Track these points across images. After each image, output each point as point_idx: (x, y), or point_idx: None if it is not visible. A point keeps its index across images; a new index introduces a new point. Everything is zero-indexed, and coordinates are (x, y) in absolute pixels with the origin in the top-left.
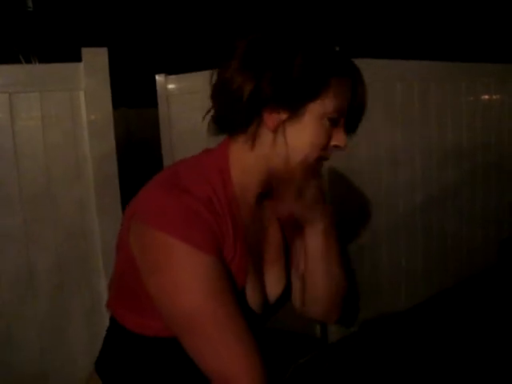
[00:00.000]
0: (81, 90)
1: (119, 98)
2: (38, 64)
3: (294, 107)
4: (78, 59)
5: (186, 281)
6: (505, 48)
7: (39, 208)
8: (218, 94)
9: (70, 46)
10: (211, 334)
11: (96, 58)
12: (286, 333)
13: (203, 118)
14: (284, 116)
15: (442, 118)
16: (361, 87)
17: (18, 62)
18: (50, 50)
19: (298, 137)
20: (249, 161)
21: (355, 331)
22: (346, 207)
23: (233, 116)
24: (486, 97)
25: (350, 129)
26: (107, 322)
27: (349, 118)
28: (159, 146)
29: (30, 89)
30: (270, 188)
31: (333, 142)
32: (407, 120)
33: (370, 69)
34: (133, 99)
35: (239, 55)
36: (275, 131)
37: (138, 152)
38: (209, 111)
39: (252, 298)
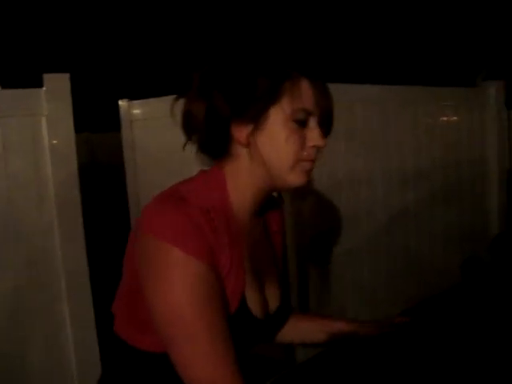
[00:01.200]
0: (43, 115)
1: (82, 123)
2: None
3: (255, 117)
4: (40, 85)
5: (174, 284)
6: (460, 72)
7: (2, 234)
8: (186, 125)
9: (32, 71)
10: (190, 336)
11: (58, 84)
12: (252, 356)
13: (183, 148)
14: (250, 128)
15: (401, 140)
16: (319, 84)
17: None
18: (10, 75)
19: (270, 145)
20: (240, 179)
21: (322, 351)
22: (310, 228)
23: (207, 142)
24: (444, 119)
25: (324, 127)
26: (69, 348)
27: (320, 116)
28: (123, 170)
29: None
30: (262, 204)
31: (309, 143)
32: (368, 142)
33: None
34: (96, 124)
35: (195, 86)
36: (248, 145)
37: (101, 176)
38: (185, 144)
39: (254, 306)
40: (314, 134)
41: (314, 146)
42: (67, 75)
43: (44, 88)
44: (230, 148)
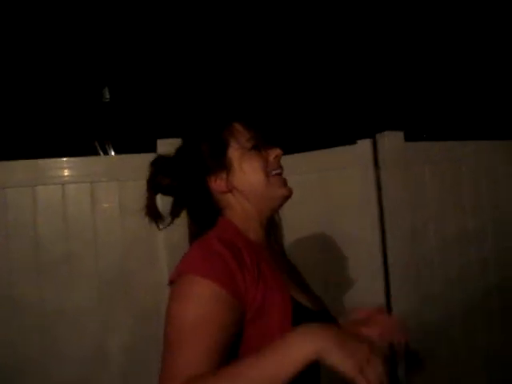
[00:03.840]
0: None
1: None
2: (114, 154)
3: (222, 164)
4: (153, 149)
5: (188, 299)
6: None
7: (115, 290)
8: (176, 207)
9: (145, 136)
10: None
11: (170, 149)
12: None
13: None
14: (224, 175)
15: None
16: (245, 123)
17: (95, 150)
18: (124, 140)
19: (244, 178)
20: (242, 217)
21: None
22: None
23: (197, 210)
24: None
25: (272, 142)
26: None
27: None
28: None
29: (109, 178)
30: (268, 227)
31: (270, 157)
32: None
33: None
34: None
35: (158, 170)
36: (229, 190)
37: None
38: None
39: (306, 303)
40: (269, 149)
41: (275, 157)
42: (179, 140)
43: (157, 152)
44: (219, 204)
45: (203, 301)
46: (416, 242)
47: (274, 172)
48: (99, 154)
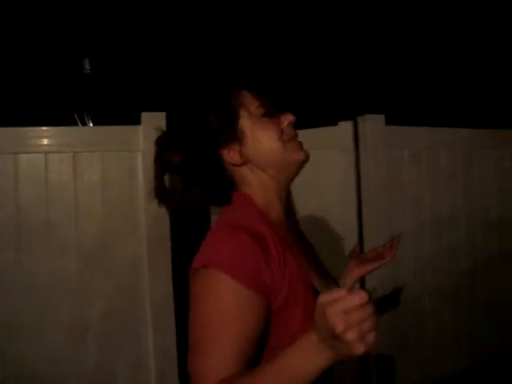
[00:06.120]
0: (138, 151)
1: None
2: (96, 126)
3: (234, 134)
4: (136, 122)
5: (217, 299)
6: None
7: (93, 260)
8: (186, 186)
9: (126, 108)
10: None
11: (155, 122)
12: None
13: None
14: (237, 146)
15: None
16: (253, 89)
17: (74, 122)
18: (105, 112)
19: (258, 148)
20: (259, 190)
21: None
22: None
23: (209, 189)
24: None
25: (284, 107)
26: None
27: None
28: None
29: (92, 149)
30: (287, 202)
31: (283, 124)
32: (450, 186)
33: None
34: None
35: (166, 146)
36: (244, 162)
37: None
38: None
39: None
40: (281, 116)
41: (289, 124)
42: (163, 114)
43: (141, 125)
44: (233, 179)
45: (231, 301)
46: (391, 223)
47: (289, 137)
48: (77, 125)
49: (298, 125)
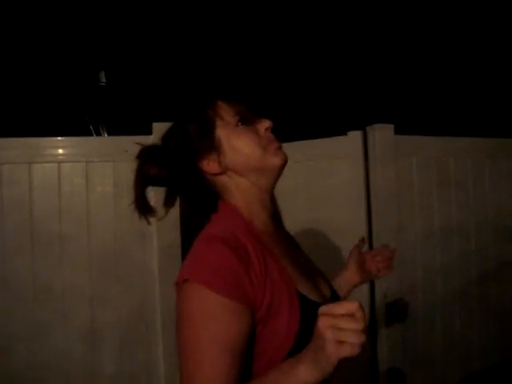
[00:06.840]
0: None
1: None
2: (109, 136)
3: (212, 144)
4: (148, 132)
5: (200, 317)
6: None
7: (105, 268)
8: (169, 197)
9: (140, 119)
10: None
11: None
12: None
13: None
14: (215, 155)
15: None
16: (227, 99)
17: (89, 133)
18: (119, 123)
19: (237, 155)
20: (242, 198)
21: None
22: (400, 280)
23: (192, 199)
24: None
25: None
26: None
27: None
28: None
29: (104, 159)
30: (271, 208)
31: (261, 130)
32: (460, 196)
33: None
34: None
35: (145, 160)
36: (223, 171)
37: (200, 221)
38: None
39: (311, 296)
40: (258, 122)
41: (266, 129)
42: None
43: (152, 135)
44: (215, 189)
45: (215, 317)
46: (401, 232)
47: (266, 142)
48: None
49: (308, 135)
